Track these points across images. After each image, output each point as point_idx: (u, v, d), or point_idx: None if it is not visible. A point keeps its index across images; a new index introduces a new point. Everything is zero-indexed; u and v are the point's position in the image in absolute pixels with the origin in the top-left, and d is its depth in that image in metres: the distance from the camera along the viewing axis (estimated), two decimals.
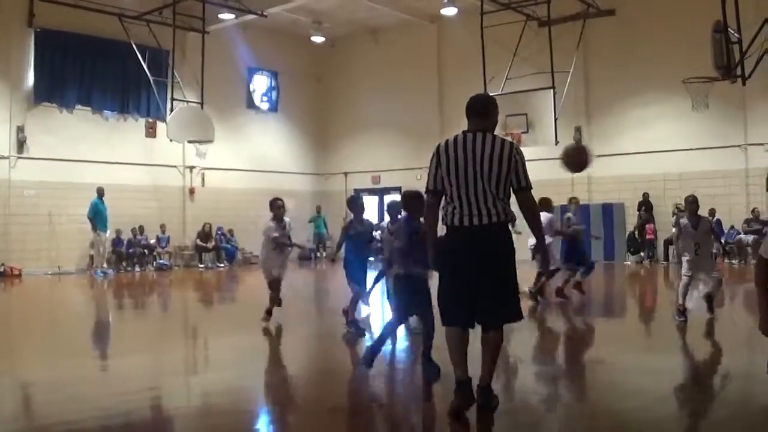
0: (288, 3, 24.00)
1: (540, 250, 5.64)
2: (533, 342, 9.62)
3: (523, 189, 5.38)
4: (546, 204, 13.00)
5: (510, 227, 5.57)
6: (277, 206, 10.71)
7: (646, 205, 22.89)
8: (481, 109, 5.54)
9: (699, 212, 10.62)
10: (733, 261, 20.85)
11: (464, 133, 5.44)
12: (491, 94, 20.30)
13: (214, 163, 25.47)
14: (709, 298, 10.58)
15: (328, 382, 7.36)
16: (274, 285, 10.80)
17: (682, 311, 10.18)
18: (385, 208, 10.05)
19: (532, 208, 5.54)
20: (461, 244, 5.36)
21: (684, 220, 10.54)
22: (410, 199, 6.91)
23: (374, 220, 11.70)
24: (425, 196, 5.69)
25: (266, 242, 10.81)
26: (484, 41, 21.76)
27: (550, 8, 21.43)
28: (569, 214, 13.54)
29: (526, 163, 5.46)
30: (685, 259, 10.52)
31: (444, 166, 5.37)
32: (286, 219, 10.90)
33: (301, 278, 20.64)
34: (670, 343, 9.31)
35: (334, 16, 26.55)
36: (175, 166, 25.44)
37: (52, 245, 22.14)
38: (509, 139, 6.58)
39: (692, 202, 10.53)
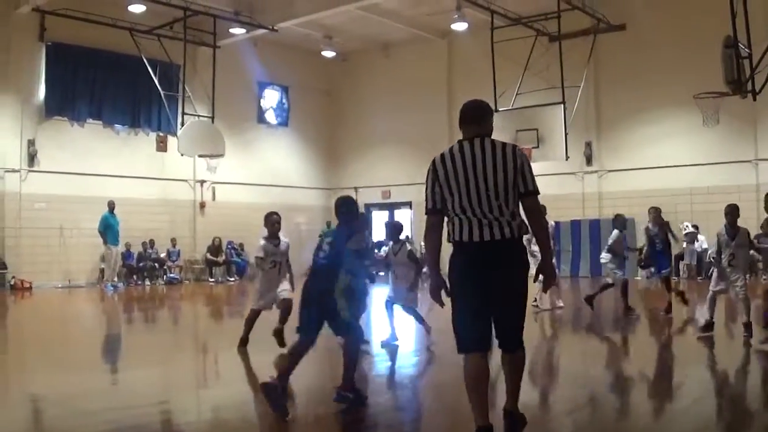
0: (299, 18, 24.05)
1: (546, 268, 5.21)
2: (552, 355, 9.58)
3: (530, 193, 4.85)
4: (619, 221, 13.79)
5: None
6: (272, 222, 9.65)
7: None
8: (475, 115, 5.01)
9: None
10: None
11: (460, 142, 4.95)
12: (502, 109, 20.31)
13: (225, 178, 25.54)
14: (748, 327, 9.73)
15: None
16: (254, 315, 9.70)
17: (707, 326, 10.07)
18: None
19: (538, 216, 4.98)
20: (469, 262, 4.83)
21: (721, 230, 9.85)
22: (344, 205, 6.75)
23: (381, 236, 11.78)
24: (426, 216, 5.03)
25: (259, 268, 9.81)
26: (495, 56, 21.80)
27: (561, 23, 21.44)
28: (648, 224, 13.63)
29: (537, 177, 5.17)
30: (719, 270, 9.92)
31: (442, 179, 4.87)
32: (283, 238, 9.78)
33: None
34: (689, 358, 9.28)
35: (345, 30, 26.65)
36: (185, 180, 25.54)
37: (62, 259, 22.24)
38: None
39: (730, 212, 9.70)
